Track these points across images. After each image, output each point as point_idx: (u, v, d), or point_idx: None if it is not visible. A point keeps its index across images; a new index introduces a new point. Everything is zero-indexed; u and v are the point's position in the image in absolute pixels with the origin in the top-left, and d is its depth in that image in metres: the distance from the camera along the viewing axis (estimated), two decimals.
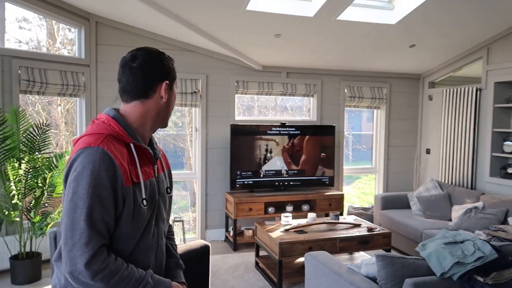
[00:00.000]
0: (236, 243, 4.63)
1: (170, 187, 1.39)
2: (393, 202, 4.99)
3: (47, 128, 3.80)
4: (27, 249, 3.76)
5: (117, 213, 1.14)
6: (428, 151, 5.67)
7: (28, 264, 3.68)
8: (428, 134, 5.68)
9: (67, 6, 4.13)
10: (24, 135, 3.67)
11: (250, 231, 4.76)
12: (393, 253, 3.17)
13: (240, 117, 5.15)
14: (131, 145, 1.21)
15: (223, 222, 5.00)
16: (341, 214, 4.85)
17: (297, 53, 4.73)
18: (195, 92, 4.73)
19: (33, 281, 3.71)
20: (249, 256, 4.38)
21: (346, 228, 3.87)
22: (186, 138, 6.08)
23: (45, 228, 3.74)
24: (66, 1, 4.08)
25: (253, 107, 5.81)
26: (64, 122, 6.95)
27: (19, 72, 3.88)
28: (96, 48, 4.39)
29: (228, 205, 4.83)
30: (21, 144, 3.65)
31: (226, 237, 4.93)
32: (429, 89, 5.68)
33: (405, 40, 4.51)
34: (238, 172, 4.75)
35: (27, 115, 3.76)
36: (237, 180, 4.75)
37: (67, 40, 6.55)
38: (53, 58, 4.23)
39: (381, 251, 3.71)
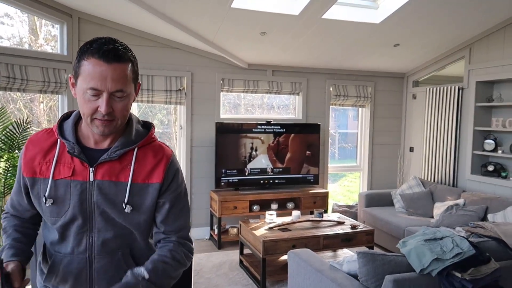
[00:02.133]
0: (220, 242, 4.62)
1: (129, 202, 1.18)
2: (377, 199, 5.04)
3: (28, 126, 3.72)
4: None
5: (27, 198, 1.26)
6: (411, 149, 5.74)
7: None
8: (411, 132, 5.75)
9: (49, 1, 4.05)
10: (3, 133, 3.59)
11: (235, 229, 4.75)
12: (375, 250, 3.20)
13: (226, 115, 5.14)
14: (58, 140, 1.21)
15: (208, 221, 4.99)
16: (326, 211, 4.89)
17: (282, 51, 4.73)
18: (179, 89, 4.70)
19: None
20: (234, 255, 4.37)
21: (330, 226, 3.90)
22: (172, 136, 6.04)
23: None
24: None
25: (239, 105, 5.79)
26: (47, 120, 6.84)
27: None
28: (79, 45, 4.32)
29: (213, 203, 4.82)
30: (0, 143, 3.57)
31: (211, 235, 4.91)
32: (413, 87, 5.74)
33: (389, 39, 4.55)
34: (223, 170, 4.74)
35: (7, 112, 3.68)
36: (222, 178, 4.74)
37: (50, 37, 6.44)
38: (34, 55, 4.14)
39: (364, 248, 3.75)
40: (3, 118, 3.60)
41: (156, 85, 4.59)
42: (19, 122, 3.68)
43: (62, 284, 1.24)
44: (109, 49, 1.08)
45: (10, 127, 3.64)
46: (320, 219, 4.03)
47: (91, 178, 1.17)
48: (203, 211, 4.98)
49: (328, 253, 4.12)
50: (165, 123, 6.60)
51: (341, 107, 5.80)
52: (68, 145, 1.17)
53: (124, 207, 1.18)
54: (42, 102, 6.77)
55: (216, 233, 4.69)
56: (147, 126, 1.30)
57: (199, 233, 4.96)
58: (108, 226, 1.20)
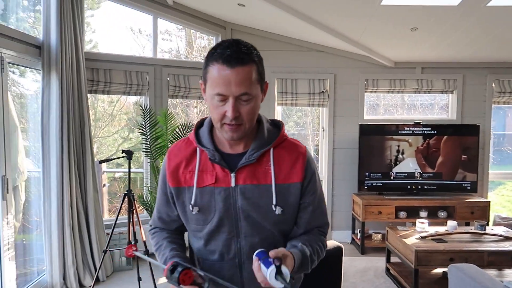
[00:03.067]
0: (364, 247, 4.48)
1: (278, 204, 1.17)
2: None
3: (190, 129, 4.19)
4: None
5: (175, 207, 1.28)
6: None
7: None
8: None
9: (206, 16, 4.52)
10: (171, 135, 4.12)
11: (379, 235, 4.56)
12: None
13: (366, 116, 4.97)
14: (197, 149, 1.21)
15: (349, 224, 4.89)
16: (487, 224, 4.32)
17: (434, 47, 4.35)
18: (322, 91, 4.72)
19: None
20: (378, 261, 4.20)
21: (496, 241, 3.43)
22: (309, 137, 6.11)
23: None
24: (206, 12, 4.46)
25: (379, 106, 5.54)
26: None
27: (168, 79, 4.37)
28: None
29: (355, 207, 4.71)
30: (169, 143, 4.11)
31: (353, 239, 4.81)
32: None
33: None
34: (367, 173, 4.59)
35: (175, 117, 4.21)
36: (365, 182, 4.59)
37: (201, 48, 7.20)
38: (193, 65, 4.67)
39: None
40: (172, 122, 4.13)
41: (299, 88, 4.70)
42: (184, 125, 4.18)
43: None
44: (231, 54, 1.05)
45: (176, 129, 4.16)
46: (482, 232, 3.58)
47: (233, 184, 1.16)
48: (344, 213, 4.90)
49: (492, 272, 3.63)
50: (300, 124, 6.72)
51: (504, 106, 5.06)
52: (209, 153, 1.18)
53: (274, 208, 1.16)
54: (195, 107, 7.59)
55: (358, 237, 4.57)
56: (277, 125, 1.28)
57: (340, 236, 4.90)
58: (253, 230, 1.19)
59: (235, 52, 1.05)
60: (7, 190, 2.89)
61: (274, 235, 1.22)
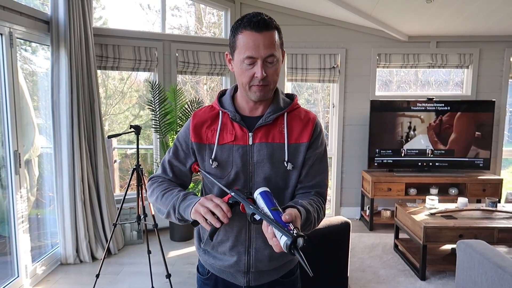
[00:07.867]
0: (372, 223, 4.49)
1: (289, 160, 1.28)
2: None
3: (199, 106, 4.18)
4: None
5: (192, 161, 1.36)
6: None
7: (182, 225, 4.20)
8: None
9: None
10: (180, 111, 4.12)
11: (388, 212, 4.55)
12: None
13: (378, 92, 4.87)
14: (220, 112, 1.33)
15: (358, 201, 4.89)
16: (499, 201, 4.27)
17: (451, 19, 4.21)
18: (333, 67, 4.63)
19: (186, 240, 4.23)
20: (387, 238, 4.20)
21: (507, 218, 3.39)
22: (319, 115, 6.05)
23: None
24: None
25: (391, 82, 5.43)
26: (209, 99, 7.62)
27: (177, 54, 4.34)
28: None
29: (365, 184, 4.69)
30: (178, 119, 4.11)
31: (362, 216, 4.81)
32: None
33: None
34: (377, 150, 4.54)
35: (184, 93, 4.20)
36: (376, 159, 4.55)
37: (211, 24, 7.10)
38: (202, 41, 4.61)
39: None
40: (181, 98, 4.12)
41: (310, 63, 4.63)
42: (192, 101, 4.17)
43: (223, 243, 1.32)
44: (258, 20, 1.16)
45: (186, 106, 4.15)
46: (493, 209, 3.54)
47: (251, 142, 1.27)
48: (354, 190, 4.89)
49: (502, 248, 3.62)
50: (311, 101, 6.64)
51: None
52: (231, 114, 1.30)
53: (286, 165, 1.27)
54: (205, 84, 7.55)
55: (367, 214, 4.57)
56: (290, 97, 1.40)
57: (349, 213, 4.91)
58: (265, 186, 1.25)
59: (261, 19, 1.17)
60: (20, 164, 2.95)
61: (284, 191, 1.31)
